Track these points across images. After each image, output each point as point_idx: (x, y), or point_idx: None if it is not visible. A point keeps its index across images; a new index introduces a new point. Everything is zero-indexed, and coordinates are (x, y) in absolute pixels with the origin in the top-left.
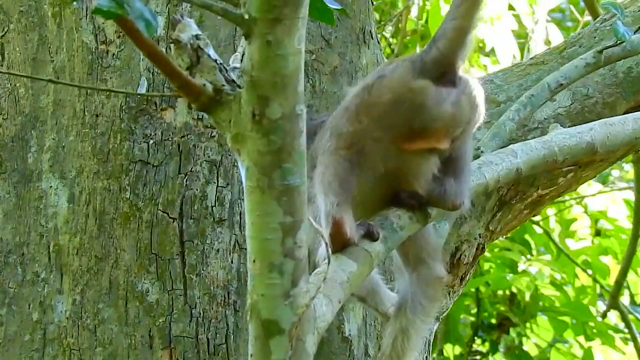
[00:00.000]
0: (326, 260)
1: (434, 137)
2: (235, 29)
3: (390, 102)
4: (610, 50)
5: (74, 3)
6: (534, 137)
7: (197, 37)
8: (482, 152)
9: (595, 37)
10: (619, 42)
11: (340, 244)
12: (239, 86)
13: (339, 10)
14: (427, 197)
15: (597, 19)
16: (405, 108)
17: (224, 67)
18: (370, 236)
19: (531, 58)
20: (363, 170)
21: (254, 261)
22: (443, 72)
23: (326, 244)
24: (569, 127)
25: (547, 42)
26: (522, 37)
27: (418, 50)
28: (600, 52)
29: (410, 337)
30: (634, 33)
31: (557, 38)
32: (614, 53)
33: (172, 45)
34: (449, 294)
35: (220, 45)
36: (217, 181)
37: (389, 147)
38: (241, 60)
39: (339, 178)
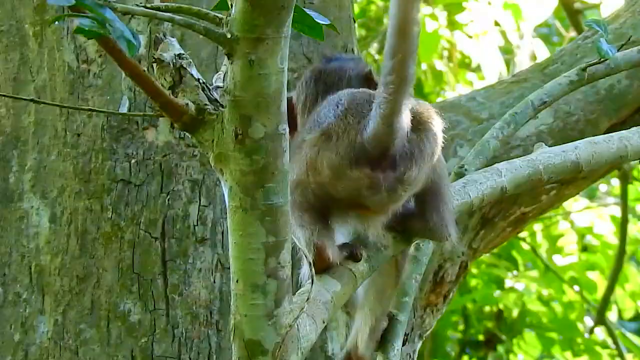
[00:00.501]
0: (310, 280)
1: (374, 212)
2: (217, 47)
3: (331, 179)
4: (594, 67)
5: (55, 22)
6: (517, 155)
7: (179, 56)
8: (466, 170)
9: (577, 55)
10: (602, 59)
11: (323, 267)
12: (221, 105)
13: (327, 25)
14: (415, 233)
15: (579, 37)
16: (344, 189)
17: (207, 86)
18: (354, 257)
19: (513, 76)
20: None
21: (237, 281)
22: (381, 152)
23: (310, 263)
24: (551, 144)
25: (533, 58)
26: (508, 52)
27: None
28: (584, 69)
29: (364, 333)
30: (617, 50)
31: (543, 53)
32: (598, 70)
33: (154, 65)
34: (433, 311)
35: (202, 64)
36: (199, 200)
37: (337, 205)
38: (224, 80)
39: (309, 212)
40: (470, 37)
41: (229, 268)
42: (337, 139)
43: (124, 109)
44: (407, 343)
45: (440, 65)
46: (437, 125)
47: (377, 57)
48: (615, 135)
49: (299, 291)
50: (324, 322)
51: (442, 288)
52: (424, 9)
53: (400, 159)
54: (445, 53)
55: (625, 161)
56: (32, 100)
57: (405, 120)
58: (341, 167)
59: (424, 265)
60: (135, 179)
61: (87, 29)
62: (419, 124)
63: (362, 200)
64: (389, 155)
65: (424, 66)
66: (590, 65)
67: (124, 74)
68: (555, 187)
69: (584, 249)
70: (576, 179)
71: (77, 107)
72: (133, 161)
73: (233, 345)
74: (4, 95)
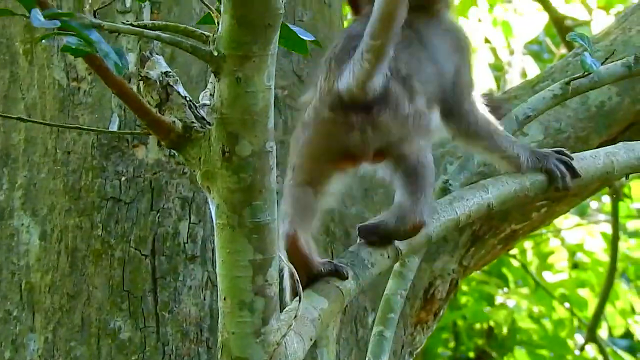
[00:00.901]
0: (297, 298)
1: (354, 159)
2: (207, 65)
3: (315, 126)
4: (578, 81)
5: (43, 41)
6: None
7: (166, 74)
8: (450, 185)
9: (567, 71)
10: (586, 73)
11: (299, 262)
12: (208, 123)
13: (312, 41)
14: (387, 231)
15: (570, 53)
16: (323, 135)
17: (194, 104)
18: (339, 275)
19: (504, 92)
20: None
21: (224, 299)
22: (354, 100)
23: (297, 280)
24: None
25: (524, 75)
26: (499, 69)
27: None
28: (568, 83)
29: None
30: (601, 64)
31: (534, 70)
32: (582, 84)
33: (141, 82)
34: (423, 329)
35: (192, 81)
36: (189, 218)
37: (328, 168)
38: (210, 97)
39: (294, 207)
40: None
41: None
42: (321, 88)
43: (114, 127)
44: None
45: None
46: (423, 107)
47: None
48: (601, 150)
49: (286, 309)
50: (311, 340)
51: (432, 305)
52: None
53: (376, 105)
54: None
55: (611, 177)
56: (19, 118)
57: (378, 81)
58: (321, 111)
59: (409, 281)
60: (125, 197)
61: (74, 47)
62: (410, 86)
63: (339, 144)
64: (364, 102)
65: None
66: (574, 79)
67: None
68: (545, 204)
69: (575, 266)
70: (566, 196)
71: (67, 126)
72: (123, 179)
73: None
74: None
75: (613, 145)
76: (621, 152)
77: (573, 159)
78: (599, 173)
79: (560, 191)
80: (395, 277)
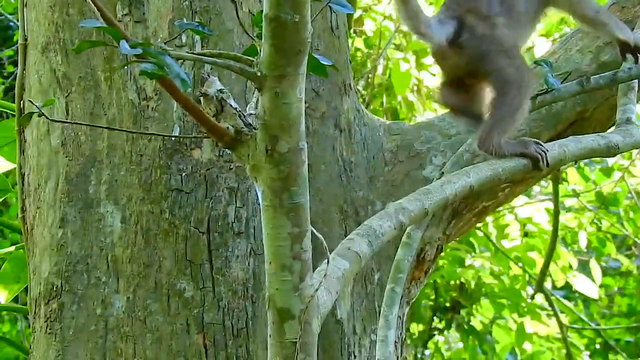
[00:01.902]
0: (326, 260)
1: (466, 80)
2: (246, 85)
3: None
4: (542, 96)
5: (126, 67)
6: (479, 161)
7: (220, 91)
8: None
9: None
10: (549, 89)
11: None
12: (254, 128)
13: (330, 65)
14: None
15: None
16: (440, 67)
17: (242, 113)
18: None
19: None
20: None
21: (270, 263)
22: (442, 45)
23: (325, 248)
24: None
25: None
26: None
27: (385, 99)
28: (535, 97)
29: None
30: (561, 83)
31: None
32: (545, 99)
33: (201, 98)
34: (416, 284)
35: (234, 98)
36: (236, 203)
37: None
38: (255, 108)
39: None
40: (434, 75)
41: (260, 254)
42: None
43: (176, 134)
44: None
45: (411, 97)
46: (503, 33)
47: (363, 92)
48: (555, 143)
49: (317, 269)
50: (337, 293)
51: (423, 266)
52: (398, 54)
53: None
54: (415, 88)
55: (564, 163)
56: (107, 127)
57: (445, 27)
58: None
59: (414, 250)
60: (186, 188)
61: (149, 71)
62: (488, 17)
63: (446, 70)
64: (449, 43)
65: (399, 98)
66: (539, 94)
67: (175, 107)
68: (508, 186)
69: (525, 234)
70: (524, 179)
71: (140, 132)
72: (184, 174)
73: (268, 312)
74: (85, 124)
75: (564, 139)
76: (571, 144)
77: (548, 151)
78: (554, 161)
79: (540, 170)
80: (403, 246)
